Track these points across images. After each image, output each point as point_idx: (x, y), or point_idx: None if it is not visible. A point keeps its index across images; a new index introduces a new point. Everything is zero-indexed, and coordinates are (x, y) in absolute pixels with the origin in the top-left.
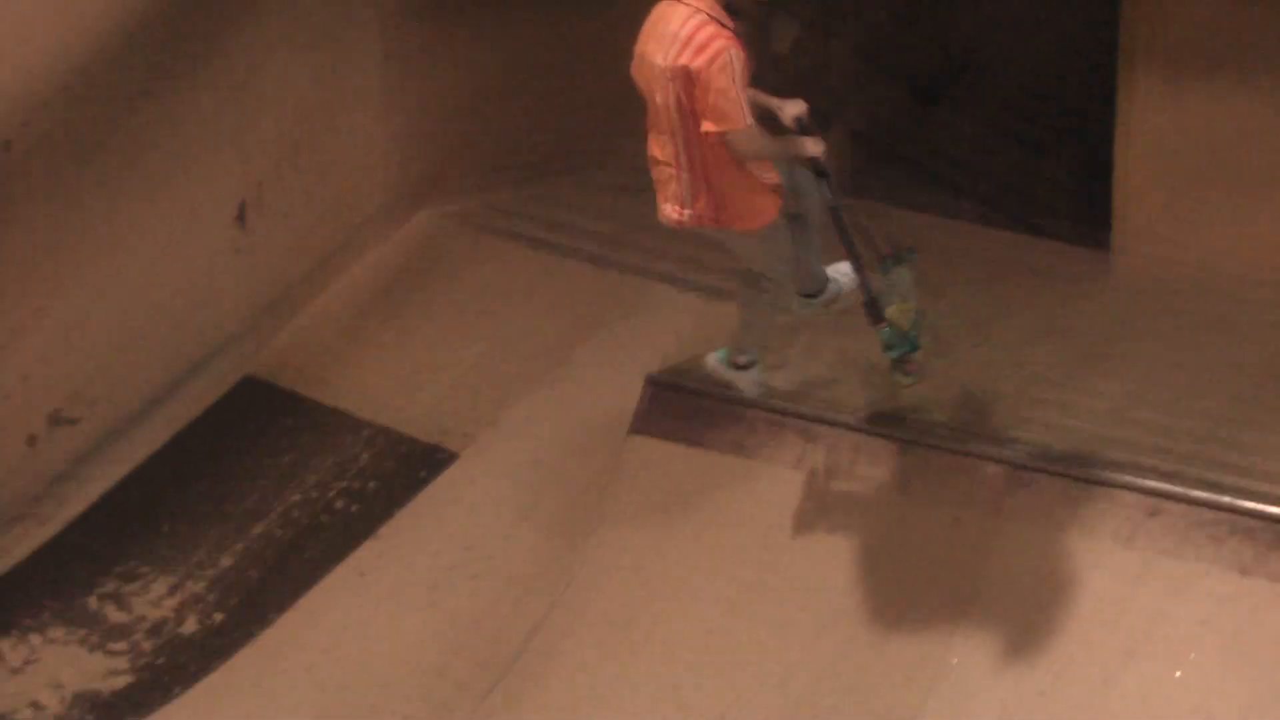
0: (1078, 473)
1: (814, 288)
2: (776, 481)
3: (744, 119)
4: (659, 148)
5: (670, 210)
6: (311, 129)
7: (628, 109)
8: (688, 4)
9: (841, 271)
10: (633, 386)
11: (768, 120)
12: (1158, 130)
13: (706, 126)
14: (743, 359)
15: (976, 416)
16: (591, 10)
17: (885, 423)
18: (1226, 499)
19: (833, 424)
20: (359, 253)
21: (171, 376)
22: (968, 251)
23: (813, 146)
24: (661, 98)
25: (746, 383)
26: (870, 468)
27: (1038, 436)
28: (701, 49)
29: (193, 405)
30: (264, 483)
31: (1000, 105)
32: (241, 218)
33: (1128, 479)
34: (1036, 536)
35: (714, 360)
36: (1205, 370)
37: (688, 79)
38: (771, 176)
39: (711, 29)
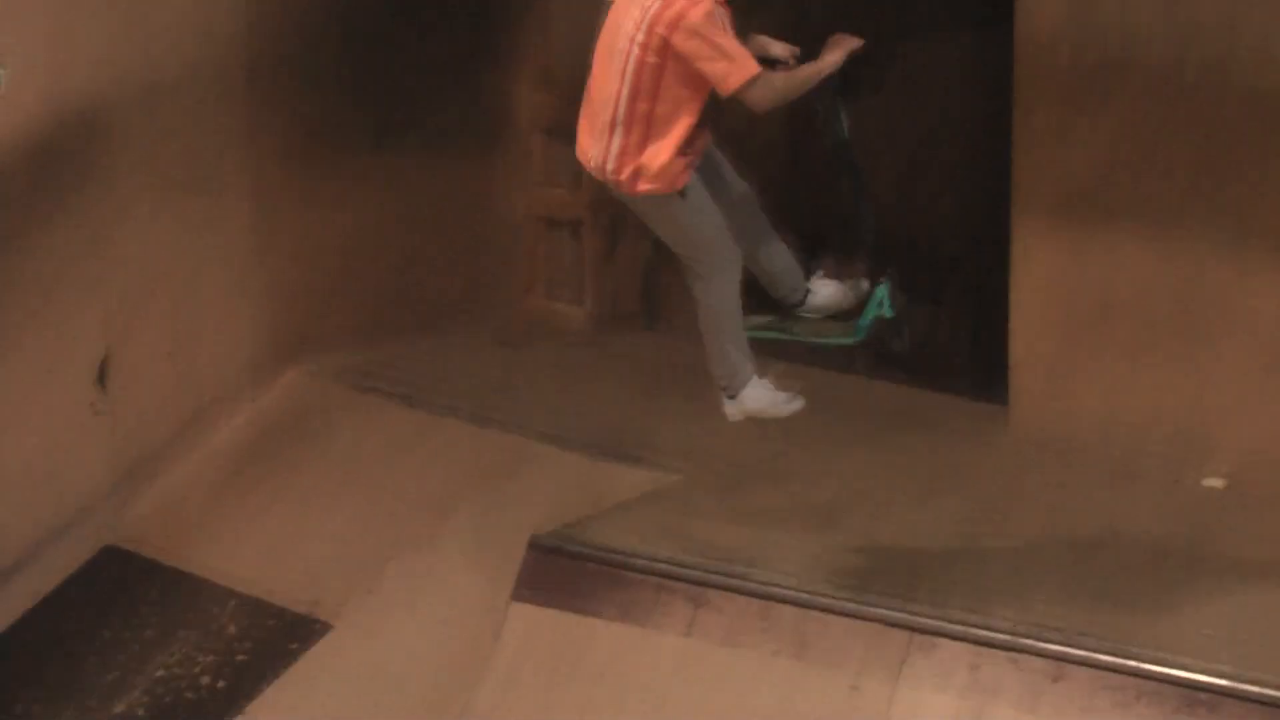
0: (979, 636)
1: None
2: (665, 651)
3: (754, 65)
4: (599, 90)
5: (593, 153)
6: (176, 282)
7: (508, 261)
8: None
9: (823, 286)
10: (515, 550)
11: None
12: (1052, 280)
13: (724, 89)
14: (723, 382)
15: (875, 577)
16: (470, 157)
17: (779, 584)
18: (1133, 662)
19: (723, 587)
20: (226, 413)
21: (26, 545)
22: (859, 407)
23: (837, 56)
24: (623, 53)
25: (764, 400)
26: (764, 633)
27: (938, 598)
28: (669, 4)
29: (49, 576)
30: (125, 658)
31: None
32: (101, 377)
33: (1030, 642)
34: (937, 704)
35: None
36: (1102, 528)
37: (661, 33)
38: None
39: None
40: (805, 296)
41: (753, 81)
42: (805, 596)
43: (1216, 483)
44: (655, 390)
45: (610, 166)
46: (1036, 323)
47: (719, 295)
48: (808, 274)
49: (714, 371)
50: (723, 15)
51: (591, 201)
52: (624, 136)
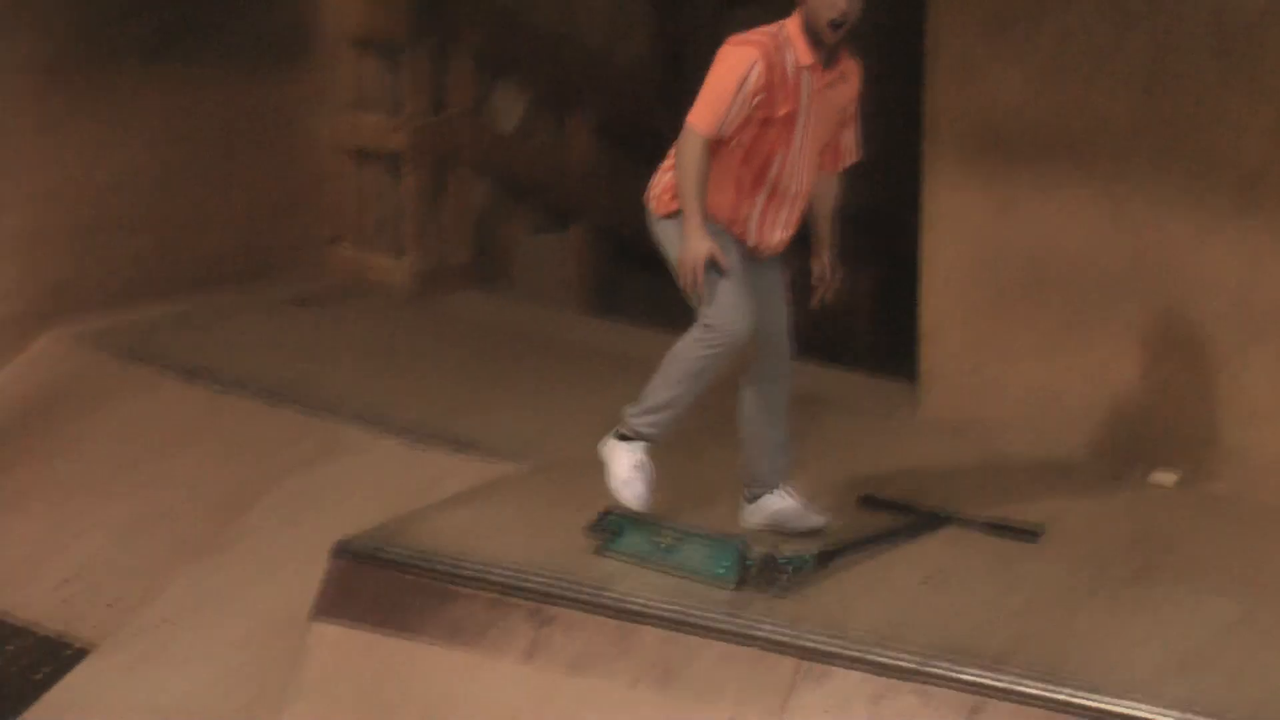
0: (881, 663)
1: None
2: (503, 680)
3: (704, 121)
4: None
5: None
6: None
7: (312, 203)
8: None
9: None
10: (318, 557)
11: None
12: (971, 237)
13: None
14: (753, 489)
15: (755, 593)
16: (265, 75)
17: (640, 600)
18: (1064, 694)
19: (572, 602)
20: None
21: None
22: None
23: (689, 263)
24: None
25: (789, 514)
26: (621, 659)
27: (834, 618)
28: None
29: None
30: None
31: None
32: None
33: (942, 670)
34: None
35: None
36: (1020, 546)
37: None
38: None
39: (753, 35)
40: (763, 496)
41: (691, 130)
42: (672, 615)
43: (1166, 478)
44: (493, 362)
45: (654, 192)
46: (952, 287)
47: (707, 349)
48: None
49: (630, 406)
50: (756, 81)
51: (415, 131)
52: (669, 164)
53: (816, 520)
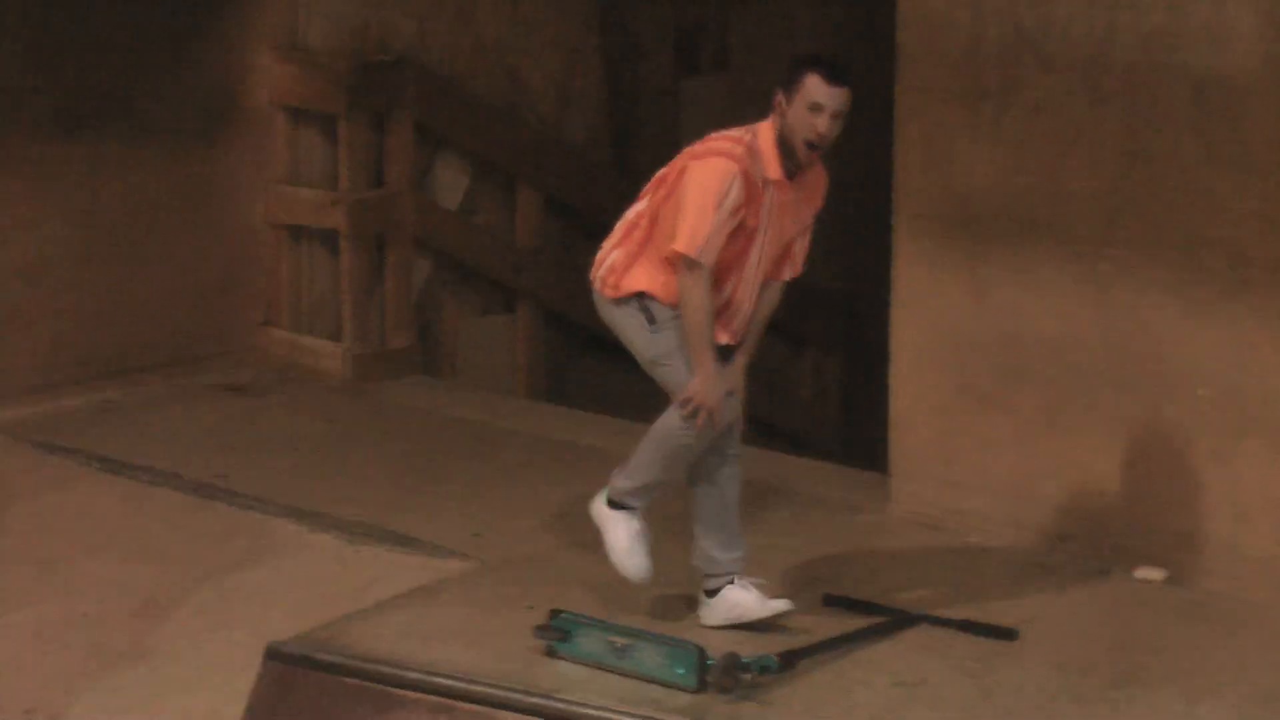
0: None
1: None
2: None
3: (698, 247)
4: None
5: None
6: None
7: (242, 283)
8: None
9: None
10: (249, 662)
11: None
12: (943, 319)
13: (670, 245)
14: (712, 582)
15: (722, 696)
16: (191, 146)
17: (602, 709)
18: None
19: (526, 711)
20: None
21: None
22: None
23: (701, 395)
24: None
25: (750, 605)
26: None
27: None
28: (693, 156)
29: None
30: None
31: None
32: None
33: None
34: None
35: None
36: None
37: (683, 162)
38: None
39: (726, 144)
40: (723, 588)
41: (688, 262)
42: (603, 712)
43: (1153, 575)
44: (435, 453)
45: (599, 272)
46: (923, 372)
47: (686, 425)
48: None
49: (617, 474)
50: (737, 196)
51: (353, 206)
52: (617, 241)
53: (778, 604)
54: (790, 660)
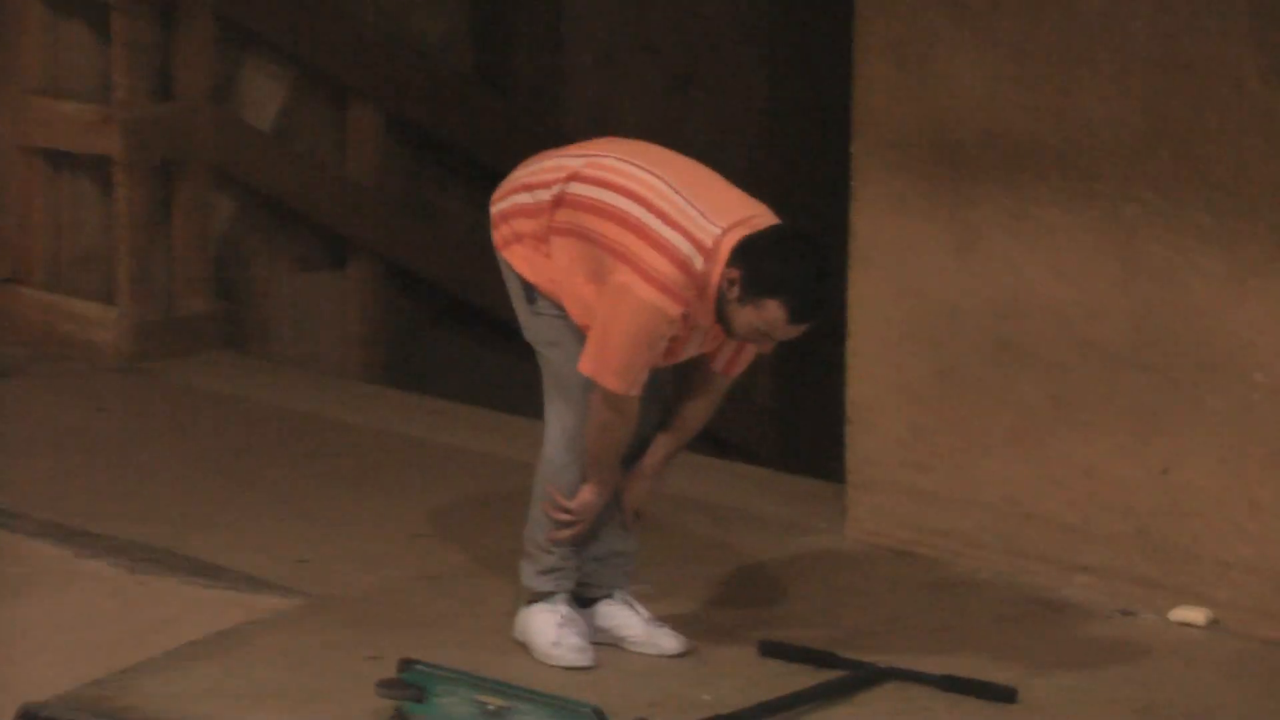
0: None
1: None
2: None
3: (624, 382)
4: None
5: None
6: None
7: None
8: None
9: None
10: None
11: None
12: (911, 291)
13: (582, 363)
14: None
15: None
16: None
17: None
18: None
19: None
20: None
21: None
22: None
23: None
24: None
25: (633, 628)
26: None
27: None
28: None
29: None
30: None
31: None
32: None
33: None
34: None
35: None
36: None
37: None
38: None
39: (675, 275)
40: (600, 601)
41: (620, 399)
42: None
43: (1194, 616)
44: (244, 455)
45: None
46: (891, 351)
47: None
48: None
49: (525, 553)
50: (671, 330)
51: (132, 125)
52: (520, 205)
53: (670, 644)
54: None
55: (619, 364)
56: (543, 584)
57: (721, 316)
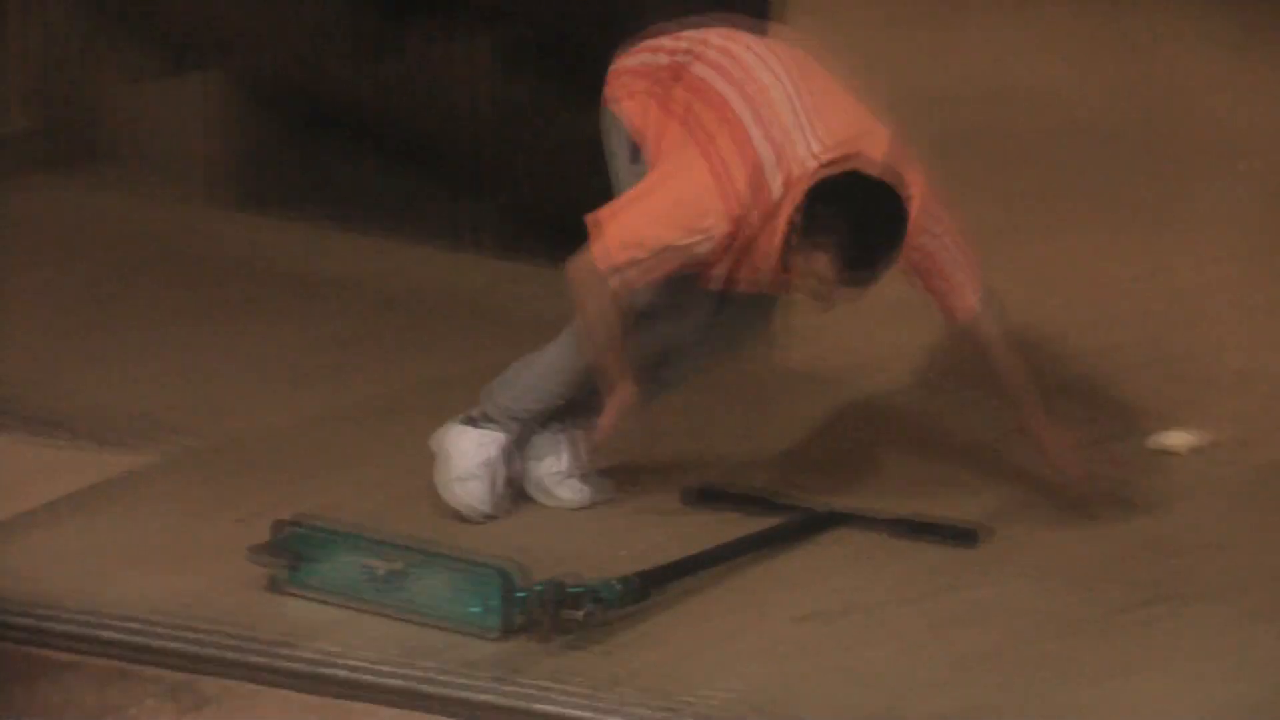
0: None
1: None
2: None
3: (610, 258)
4: None
5: None
6: None
7: None
8: None
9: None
10: None
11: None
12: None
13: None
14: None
15: (543, 645)
16: None
17: (350, 664)
18: None
19: (239, 668)
20: None
21: None
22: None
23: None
24: None
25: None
26: None
27: (665, 683)
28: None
29: None
30: None
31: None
32: None
33: None
34: None
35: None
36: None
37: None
38: None
39: (740, 172)
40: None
41: (598, 274)
42: (399, 685)
43: (1177, 442)
44: (91, 292)
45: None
46: None
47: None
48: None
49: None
50: (701, 249)
51: None
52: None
53: (568, 495)
54: (647, 586)
55: (628, 230)
56: (498, 414)
57: (784, 258)
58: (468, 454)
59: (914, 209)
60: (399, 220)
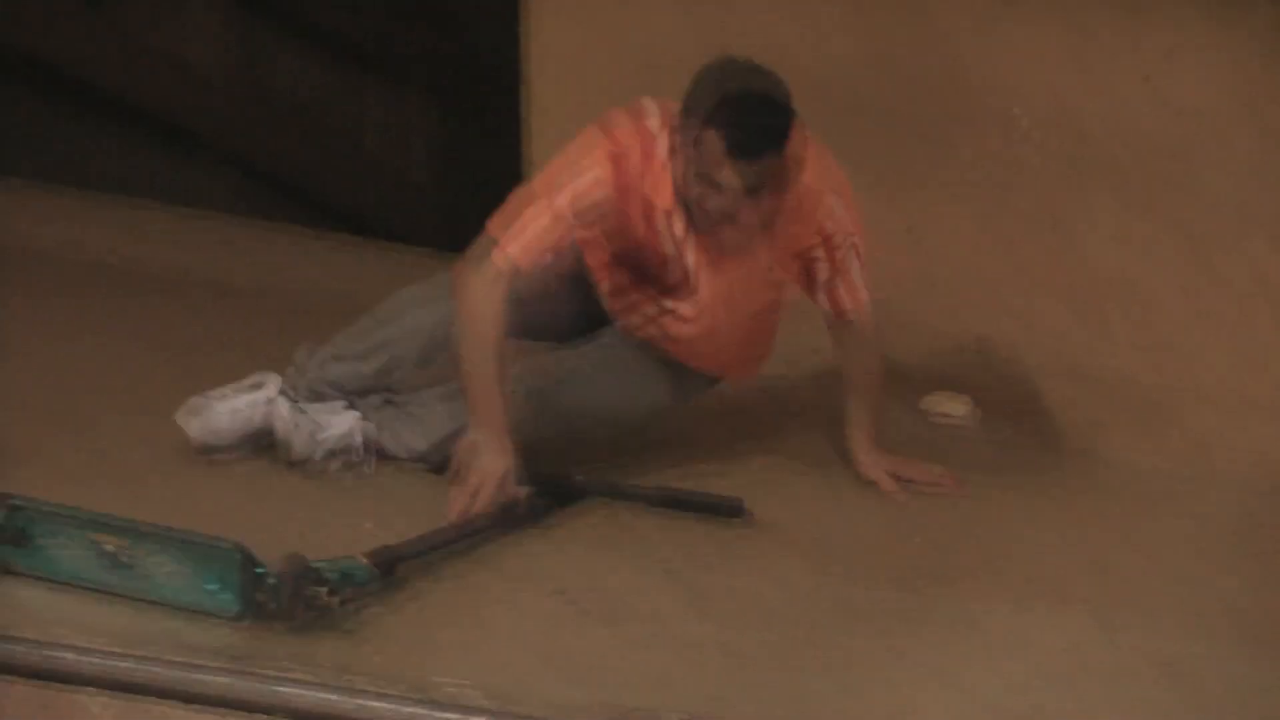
0: None
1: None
2: None
3: (516, 251)
4: None
5: None
6: None
7: None
8: None
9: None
10: None
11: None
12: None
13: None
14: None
15: (284, 626)
16: None
17: (73, 650)
18: None
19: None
20: None
21: None
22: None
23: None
24: None
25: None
26: None
27: (410, 667)
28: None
29: None
30: None
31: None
32: None
33: None
34: None
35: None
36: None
37: None
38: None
39: (621, 134)
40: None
41: (484, 262)
42: (123, 676)
43: (952, 408)
44: None
45: None
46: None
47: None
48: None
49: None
50: (596, 211)
51: None
52: None
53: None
54: (391, 564)
55: (513, 214)
56: (287, 377)
57: (678, 180)
58: (230, 404)
59: (810, 175)
60: (99, 176)
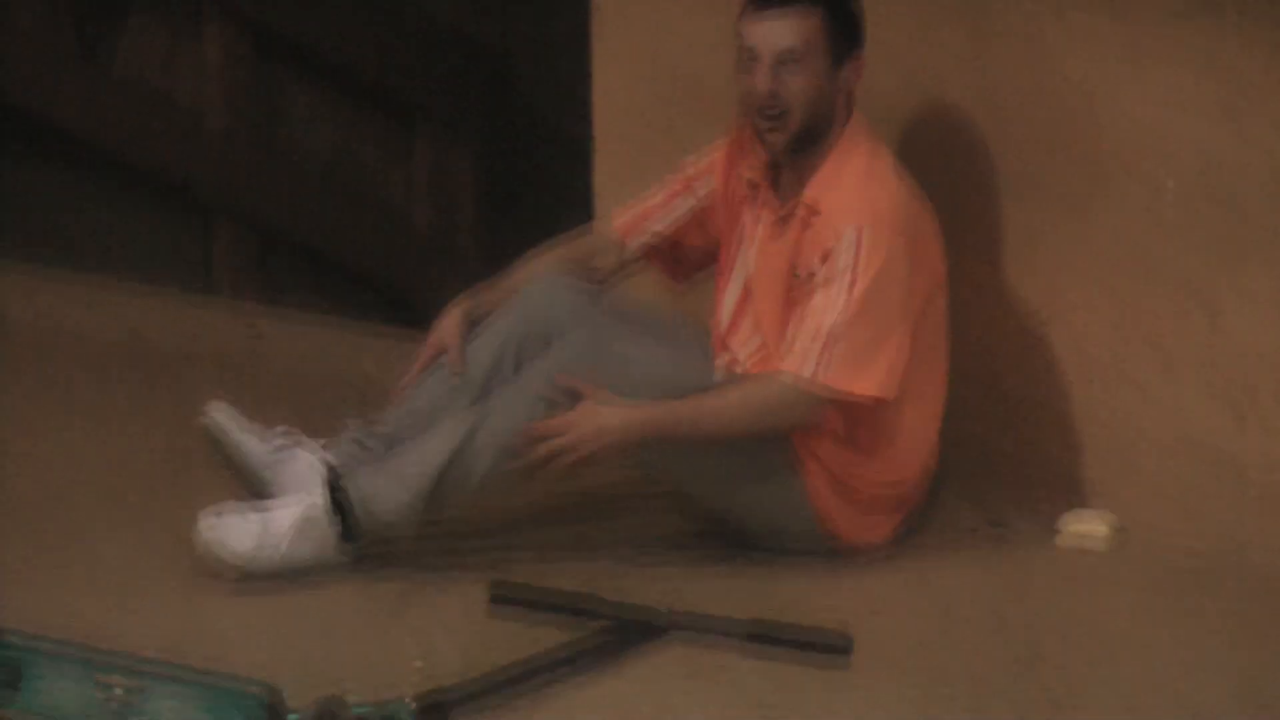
0: None
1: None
2: None
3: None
4: None
5: None
6: None
7: None
8: None
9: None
10: None
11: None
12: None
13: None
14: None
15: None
16: None
17: None
18: None
19: None
20: None
21: None
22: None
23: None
24: None
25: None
26: None
27: None
28: None
29: None
30: None
31: None
32: None
33: None
34: None
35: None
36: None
37: None
38: None
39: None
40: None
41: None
42: None
43: (1092, 530)
44: None
45: None
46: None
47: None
48: None
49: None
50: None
51: None
52: None
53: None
54: (441, 710)
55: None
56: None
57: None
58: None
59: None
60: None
